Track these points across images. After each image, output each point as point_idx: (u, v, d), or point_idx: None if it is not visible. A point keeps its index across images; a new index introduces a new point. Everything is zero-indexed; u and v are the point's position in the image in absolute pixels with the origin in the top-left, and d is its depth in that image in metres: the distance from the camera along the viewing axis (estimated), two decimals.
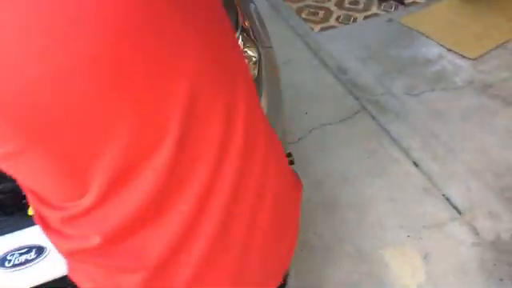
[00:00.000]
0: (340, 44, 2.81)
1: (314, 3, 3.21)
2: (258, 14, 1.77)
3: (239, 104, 0.55)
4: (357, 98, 2.44)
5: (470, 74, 2.47)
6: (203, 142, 0.52)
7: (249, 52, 1.48)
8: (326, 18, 3.04)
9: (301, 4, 3.22)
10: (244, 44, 1.48)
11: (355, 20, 3.00)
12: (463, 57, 2.56)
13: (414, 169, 2.05)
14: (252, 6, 1.75)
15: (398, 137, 2.20)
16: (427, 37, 2.74)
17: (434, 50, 2.65)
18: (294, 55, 2.78)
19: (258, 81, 1.50)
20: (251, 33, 1.54)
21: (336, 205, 1.95)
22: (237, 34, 1.46)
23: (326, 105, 2.44)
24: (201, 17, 0.49)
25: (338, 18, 3.03)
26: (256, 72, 1.49)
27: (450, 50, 2.61)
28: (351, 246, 1.80)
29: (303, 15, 3.10)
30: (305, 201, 1.97)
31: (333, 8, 3.13)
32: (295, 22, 3.04)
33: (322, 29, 2.96)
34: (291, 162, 0.76)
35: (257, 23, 1.65)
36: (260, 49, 1.54)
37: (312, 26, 2.99)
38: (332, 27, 2.97)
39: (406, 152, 2.12)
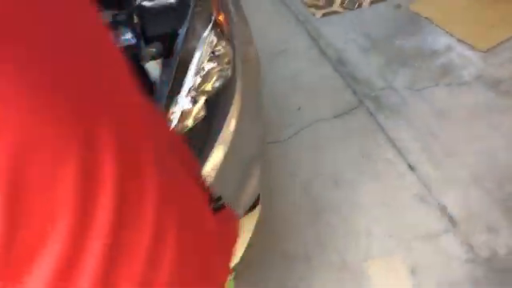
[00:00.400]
0: (342, 32, 2.64)
1: None
2: (236, 2, 1.62)
3: (104, 154, 0.43)
4: (355, 92, 2.29)
5: (479, 67, 2.28)
6: (47, 212, 0.41)
7: (222, 50, 1.35)
8: (328, 3, 2.85)
9: None
10: (217, 41, 1.34)
11: (360, 5, 2.80)
12: (473, 48, 2.36)
13: (409, 172, 1.90)
14: None
15: (396, 136, 2.05)
16: (436, 25, 2.54)
17: (442, 41, 2.45)
18: (291, 43, 2.62)
19: (231, 82, 1.37)
20: (226, 28, 1.41)
21: (322, 209, 1.84)
22: (207, 31, 1.32)
23: (321, 99, 2.29)
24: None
25: (342, 3, 2.84)
26: (229, 72, 1.36)
27: (459, 41, 2.41)
28: (335, 255, 1.69)
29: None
30: (289, 205, 1.87)
31: None
32: (296, 7, 2.85)
33: (325, 15, 2.78)
34: (220, 207, 0.64)
35: (232, 14, 1.51)
36: (235, 46, 1.41)
37: (314, 11, 2.81)
38: (335, 13, 2.78)
39: (402, 153, 1.98)
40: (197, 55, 1.30)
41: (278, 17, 2.84)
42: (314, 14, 2.78)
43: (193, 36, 1.33)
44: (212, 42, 1.34)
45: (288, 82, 2.40)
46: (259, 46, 2.61)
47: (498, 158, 1.89)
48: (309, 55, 2.55)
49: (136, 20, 1.43)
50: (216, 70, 1.35)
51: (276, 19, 2.82)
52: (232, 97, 1.38)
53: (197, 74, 1.30)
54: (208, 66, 1.34)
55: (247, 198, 1.50)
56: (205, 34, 1.33)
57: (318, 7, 2.84)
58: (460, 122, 2.05)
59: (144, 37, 1.39)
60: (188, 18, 1.36)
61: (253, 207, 1.58)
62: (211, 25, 1.35)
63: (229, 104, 1.37)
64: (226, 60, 1.36)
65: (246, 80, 1.42)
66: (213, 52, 1.33)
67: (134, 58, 1.30)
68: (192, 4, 1.38)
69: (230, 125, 1.35)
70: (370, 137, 2.08)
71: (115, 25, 1.42)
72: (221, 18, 1.39)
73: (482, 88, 2.18)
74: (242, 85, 1.41)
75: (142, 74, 1.31)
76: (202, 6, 1.39)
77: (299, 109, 2.26)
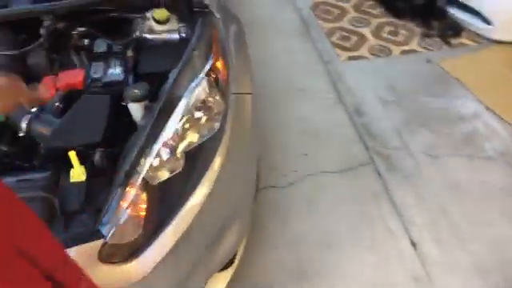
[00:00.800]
0: (364, 79, 2.50)
1: (349, 26, 2.90)
2: (239, 41, 1.51)
3: None
4: (367, 148, 2.14)
5: (504, 142, 2.10)
6: None
7: (213, 101, 1.24)
8: (357, 46, 2.73)
9: (335, 24, 2.92)
10: (209, 90, 1.24)
11: (389, 54, 2.67)
12: (502, 120, 2.19)
13: (410, 249, 1.74)
14: (233, 29, 1.48)
15: (402, 205, 1.89)
16: (466, 88, 2.37)
17: (469, 106, 2.29)
18: (310, 83, 2.51)
19: (218, 134, 1.25)
20: (222, 75, 1.30)
21: (308, 273, 1.69)
22: (200, 77, 1.22)
23: (330, 148, 2.16)
24: None
25: (370, 49, 2.71)
26: (218, 124, 1.25)
27: (488, 109, 2.25)
28: None
29: (333, 38, 2.79)
30: (274, 261, 1.73)
31: (368, 35, 2.81)
32: (322, 45, 2.75)
33: (350, 58, 2.65)
34: None
35: (232, 59, 1.40)
36: (229, 97, 1.30)
37: (339, 52, 2.69)
38: (361, 57, 2.66)
39: (405, 226, 1.81)
40: (184, 101, 1.20)
41: (303, 53, 2.73)
42: (338, 56, 2.66)
43: (184, 80, 1.24)
44: (204, 89, 1.24)
45: (299, 125, 2.28)
46: (276, 80, 2.52)
47: (507, 249, 1.71)
48: (326, 99, 2.42)
49: (130, 53, 1.35)
50: (204, 119, 1.24)
51: (300, 56, 2.72)
52: (217, 148, 1.27)
53: (182, 120, 1.19)
54: (197, 114, 1.23)
55: (222, 256, 1.38)
56: (197, 80, 1.23)
57: (344, 49, 2.72)
58: (473, 201, 1.87)
59: (134, 72, 1.31)
60: (184, 59, 1.26)
61: (229, 264, 1.46)
62: (206, 71, 1.25)
63: (213, 154, 1.26)
64: (216, 111, 1.25)
65: (236, 135, 1.30)
66: (203, 101, 1.23)
67: (117, 96, 1.22)
68: (191, 46, 1.29)
69: (214, 169, 1.24)
70: (374, 200, 1.92)
71: (108, 55, 1.35)
72: (218, 64, 1.30)
73: (503, 166, 2.00)
74: (231, 135, 1.29)
75: (124, 115, 1.22)
76: (202, 49, 1.30)
77: (306, 155, 2.13)
